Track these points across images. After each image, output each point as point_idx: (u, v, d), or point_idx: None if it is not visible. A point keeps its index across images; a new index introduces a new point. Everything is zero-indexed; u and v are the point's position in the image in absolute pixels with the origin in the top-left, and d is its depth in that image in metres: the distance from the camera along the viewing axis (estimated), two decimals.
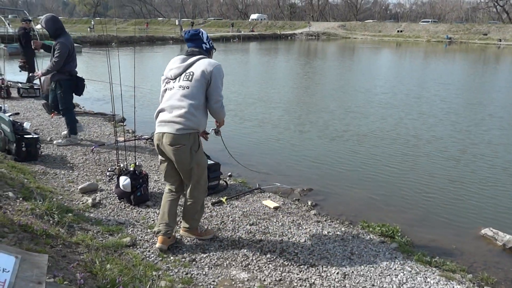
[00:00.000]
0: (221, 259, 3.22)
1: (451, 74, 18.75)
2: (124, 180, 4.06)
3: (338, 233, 3.79)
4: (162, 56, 27.54)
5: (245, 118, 8.98)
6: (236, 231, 3.71)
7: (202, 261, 3.18)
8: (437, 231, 4.09)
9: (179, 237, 3.51)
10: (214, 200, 4.34)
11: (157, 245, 3.27)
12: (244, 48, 36.61)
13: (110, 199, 4.21)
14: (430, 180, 5.42)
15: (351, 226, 4.03)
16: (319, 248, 3.46)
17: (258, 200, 4.47)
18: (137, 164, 4.31)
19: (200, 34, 3.25)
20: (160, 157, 3.28)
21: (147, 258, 3.14)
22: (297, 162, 6.02)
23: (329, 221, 4.10)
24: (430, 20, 65.94)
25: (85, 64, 19.36)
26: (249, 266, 3.15)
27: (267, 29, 64.99)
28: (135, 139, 6.19)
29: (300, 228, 3.84)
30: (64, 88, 5.83)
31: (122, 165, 4.34)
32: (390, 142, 7.17)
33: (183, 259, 3.17)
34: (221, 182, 4.79)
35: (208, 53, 3.28)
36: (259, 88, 13.40)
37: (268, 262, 3.21)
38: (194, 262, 3.15)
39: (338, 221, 4.12)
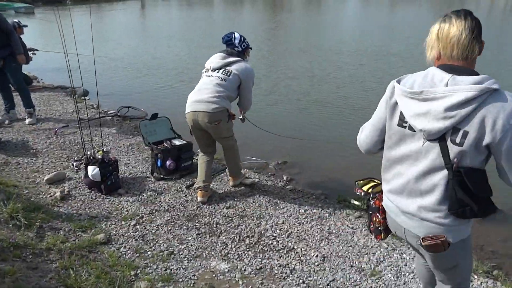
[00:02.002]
0: (199, 250, 3.19)
1: (417, 23, 18.70)
2: (92, 170, 3.91)
3: (315, 210, 3.81)
4: (124, 14, 26.19)
5: None
6: (213, 216, 3.67)
7: (180, 254, 3.14)
8: None
9: (230, 188, 4.14)
10: (188, 183, 4.26)
11: (198, 198, 3.87)
12: (207, 0, 35.21)
13: (80, 189, 4.06)
14: None
15: (327, 201, 4.06)
16: (297, 230, 3.47)
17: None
18: (105, 150, 4.14)
19: (233, 40, 3.86)
20: (193, 132, 3.84)
21: (124, 256, 3.07)
22: (268, 134, 5.95)
23: (306, 197, 4.11)
24: None
25: (39, 28, 18.20)
26: (229, 255, 3.14)
27: None
28: (100, 117, 5.92)
29: (277, 208, 3.84)
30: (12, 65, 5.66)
31: (89, 153, 4.15)
32: (363, 109, 7.17)
33: (161, 253, 3.12)
34: (194, 161, 4.68)
35: (242, 53, 3.89)
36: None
37: (248, 249, 3.20)
38: (172, 256, 3.11)
39: (314, 197, 4.14)
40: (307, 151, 5.41)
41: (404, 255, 3.14)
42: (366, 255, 3.15)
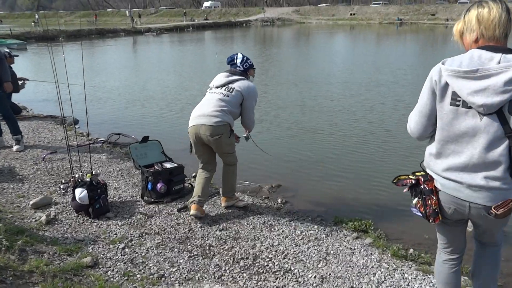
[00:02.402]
0: (192, 272, 3.03)
1: (403, 57, 19.19)
2: (80, 193, 3.76)
3: (311, 231, 3.68)
4: (115, 49, 26.52)
5: None
6: (206, 238, 3.52)
7: (171, 277, 2.97)
8: (408, 222, 4.06)
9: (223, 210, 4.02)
10: (180, 206, 4.12)
11: (191, 211, 3.79)
12: (199, 37, 35.94)
13: (67, 213, 3.90)
14: (398, 171, 5.43)
15: (324, 222, 3.94)
16: (293, 251, 3.33)
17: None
18: (93, 173, 4.01)
19: (235, 60, 3.96)
20: (194, 147, 3.86)
21: (111, 279, 2.89)
22: (263, 158, 5.87)
23: (301, 219, 3.99)
24: (381, 2, 67.24)
25: (31, 62, 18.29)
26: (223, 277, 2.98)
27: (221, 16, 64.19)
28: (89, 144, 5.81)
29: (272, 229, 3.71)
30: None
31: (77, 176, 4.02)
32: (355, 134, 7.17)
33: (151, 276, 2.96)
34: (186, 185, 4.57)
35: (245, 72, 3.95)
36: None
37: (242, 271, 3.05)
38: (163, 279, 2.94)
39: (310, 219, 4.02)
40: (301, 174, 5.32)
41: (406, 275, 3.01)
42: (366, 276, 3.01)
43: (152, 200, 4.22)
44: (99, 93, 11.03)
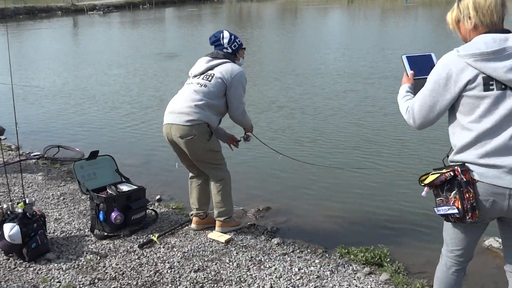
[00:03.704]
0: None
1: (414, 39, 19.48)
2: (10, 229, 3.63)
3: (312, 268, 3.64)
4: (50, 34, 26.16)
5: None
6: (177, 283, 3.44)
7: None
8: (431, 250, 4.06)
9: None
10: (142, 241, 4.03)
11: (192, 225, 4.22)
12: (157, 17, 35.78)
13: None
14: (414, 185, 5.44)
15: (327, 255, 3.91)
16: None
17: (201, 233, 4.22)
18: (27, 201, 3.88)
19: (221, 39, 3.92)
20: (173, 149, 3.97)
21: None
22: (245, 172, 5.82)
23: (298, 251, 3.95)
24: None
25: None
26: None
27: None
28: (20, 160, 5.65)
29: (262, 267, 3.65)
30: None
31: (5, 206, 3.88)
32: (359, 141, 7.21)
33: None
34: (148, 211, 4.48)
35: (233, 55, 3.96)
36: (178, 80, 13.09)
37: None
38: None
39: (309, 250, 3.98)
40: (295, 193, 5.30)
41: None
42: None
43: (105, 234, 4.12)
44: (30, 93, 10.82)
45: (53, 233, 4.18)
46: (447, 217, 2.34)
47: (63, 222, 4.40)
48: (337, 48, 17.02)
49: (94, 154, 4.57)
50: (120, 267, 3.64)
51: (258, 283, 3.43)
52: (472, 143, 2.19)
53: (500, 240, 3.99)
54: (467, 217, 2.21)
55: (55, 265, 3.66)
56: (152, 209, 4.61)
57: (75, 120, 8.72)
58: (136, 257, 3.79)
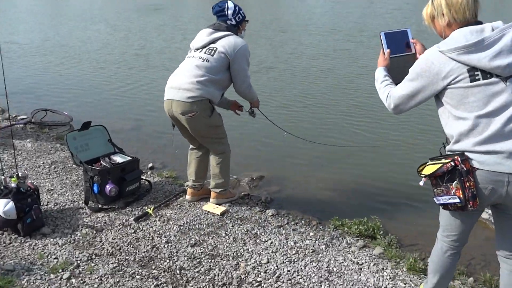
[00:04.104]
0: None
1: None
2: (5, 205, 3.60)
3: (307, 242, 3.70)
4: None
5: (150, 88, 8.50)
6: (175, 258, 3.47)
7: None
8: (423, 222, 4.14)
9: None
10: (137, 213, 4.04)
11: (187, 197, 4.24)
12: None
13: None
14: (408, 157, 5.47)
15: (321, 227, 3.97)
16: (287, 270, 3.34)
17: (196, 204, 4.23)
18: (20, 175, 3.83)
19: (225, 10, 3.80)
20: (175, 124, 3.94)
21: None
22: (237, 140, 5.78)
23: (292, 223, 4.00)
24: None
25: None
26: None
27: None
28: (10, 125, 5.54)
29: (258, 241, 3.69)
30: None
31: None
32: (356, 108, 7.19)
33: None
34: (142, 182, 4.47)
35: (236, 27, 3.86)
36: (162, 37, 12.84)
37: None
38: None
39: (303, 222, 4.04)
40: (288, 162, 5.32)
41: None
42: None
43: (100, 206, 4.12)
44: (10, 51, 10.49)
45: (47, 205, 4.15)
46: (445, 206, 2.39)
47: (56, 193, 4.37)
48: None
49: (86, 125, 4.49)
50: (117, 242, 3.65)
51: (255, 258, 3.48)
52: (469, 131, 2.24)
53: (490, 211, 4.08)
54: (469, 206, 2.25)
55: (51, 240, 3.65)
56: (146, 179, 4.59)
57: (59, 81, 8.56)
58: (132, 231, 3.80)
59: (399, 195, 4.63)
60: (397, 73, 2.62)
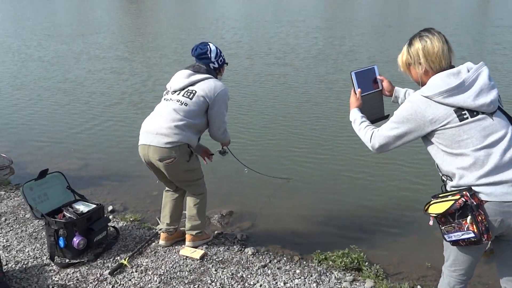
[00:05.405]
0: None
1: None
2: None
3: (297, 281, 3.59)
4: None
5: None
6: None
7: None
8: (402, 248, 4.19)
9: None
10: (110, 265, 3.75)
11: (160, 242, 4.03)
12: None
13: None
14: (388, 182, 5.52)
15: (304, 263, 3.88)
16: None
17: (171, 249, 4.01)
18: None
19: (208, 53, 3.72)
20: (150, 169, 3.75)
21: None
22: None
23: (275, 261, 3.89)
24: None
25: None
26: None
27: None
28: None
29: (246, 285, 3.54)
30: None
31: None
32: (327, 131, 7.20)
33: None
34: (109, 230, 4.18)
35: (217, 70, 3.79)
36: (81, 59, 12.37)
37: None
38: None
39: (286, 259, 3.93)
40: (254, 195, 5.19)
41: None
42: None
43: (68, 261, 3.79)
44: None
45: (6, 264, 3.75)
46: (457, 242, 2.38)
47: (14, 250, 3.97)
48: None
49: (43, 173, 4.12)
50: None
51: None
52: (470, 166, 2.29)
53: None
54: (484, 239, 2.26)
55: None
56: (111, 226, 4.30)
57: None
58: (110, 287, 3.52)
59: (374, 221, 4.65)
60: (366, 110, 2.74)
